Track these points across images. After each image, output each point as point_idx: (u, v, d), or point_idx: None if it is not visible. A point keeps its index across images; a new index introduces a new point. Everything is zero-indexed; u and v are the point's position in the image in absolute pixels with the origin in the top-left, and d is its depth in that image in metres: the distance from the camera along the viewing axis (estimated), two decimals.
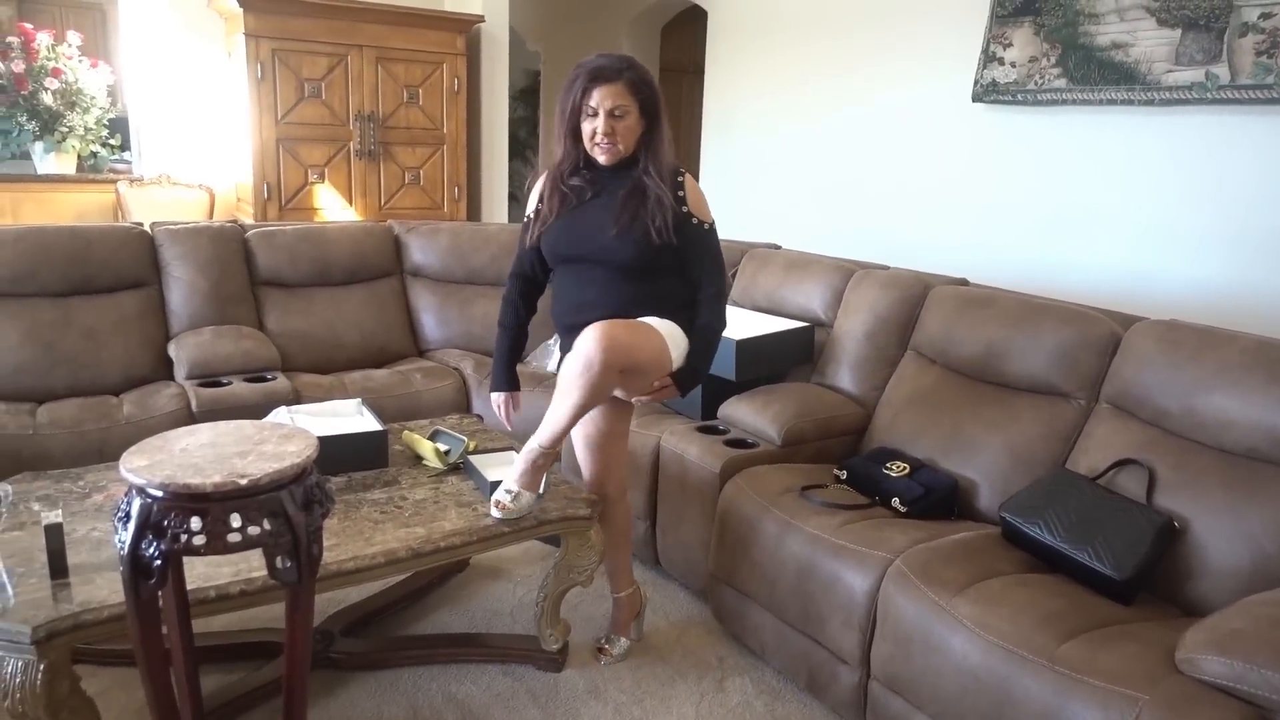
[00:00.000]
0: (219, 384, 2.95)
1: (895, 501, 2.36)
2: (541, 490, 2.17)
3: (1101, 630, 1.81)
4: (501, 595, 2.75)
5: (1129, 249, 3.60)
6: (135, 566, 1.33)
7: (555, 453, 2.15)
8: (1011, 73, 3.97)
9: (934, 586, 1.96)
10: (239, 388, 2.93)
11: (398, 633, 2.51)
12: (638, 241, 2.08)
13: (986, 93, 4.06)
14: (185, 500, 1.34)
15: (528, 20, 6.76)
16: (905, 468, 2.45)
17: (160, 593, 1.45)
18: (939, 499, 2.37)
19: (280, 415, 2.42)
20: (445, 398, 3.24)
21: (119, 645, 2.01)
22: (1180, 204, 3.45)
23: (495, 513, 2.11)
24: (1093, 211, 3.72)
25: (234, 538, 1.35)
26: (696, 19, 6.41)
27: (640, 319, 2.11)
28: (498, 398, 2.37)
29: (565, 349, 2.22)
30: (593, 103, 2.03)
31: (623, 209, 2.08)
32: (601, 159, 2.09)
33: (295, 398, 2.95)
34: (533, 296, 2.38)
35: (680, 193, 2.13)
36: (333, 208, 4.66)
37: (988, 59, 4.05)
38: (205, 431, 1.51)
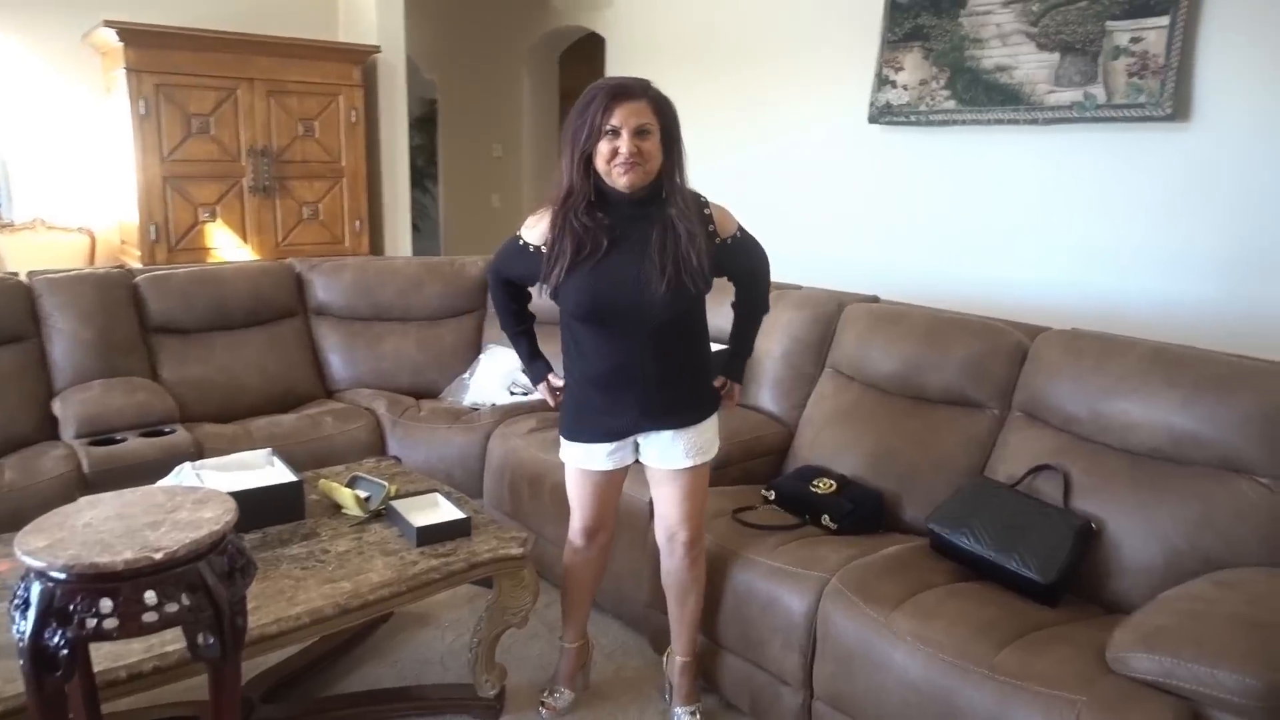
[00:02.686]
0: (112, 441, 2.77)
1: (825, 519, 2.39)
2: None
3: (1034, 634, 1.86)
4: (430, 643, 2.65)
5: (1022, 261, 3.77)
6: (38, 659, 1.22)
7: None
8: (904, 95, 4.12)
9: (871, 603, 1.98)
10: (135, 444, 2.76)
11: (323, 693, 2.39)
12: (684, 295, 1.95)
13: (881, 114, 4.19)
14: (92, 581, 1.23)
15: (422, 49, 6.66)
16: (832, 484, 2.48)
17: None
18: (867, 513, 2.40)
19: (185, 473, 2.28)
20: (359, 440, 3.12)
21: None
22: (1067, 217, 3.63)
23: None
24: (987, 226, 3.88)
25: (150, 617, 1.25)
26: (594, 46, 6.43)
27: (697, 444, 2.09)
28: (542, 387, 2.24)
29: (586, 407, 2.09)
30: (614, 121, 1.86)
31: (661, 258, 1.91)
32: (622, 181, 1.89)
33: (198, 451, 2.79)
34: (522, 295, 2.23)
35: (711, 227, 2.00)
36: (227, 247, 4.46)
37: (881, 82, 4.19)
38: (109, 502, 1.40)
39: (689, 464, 2.09)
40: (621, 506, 2.51)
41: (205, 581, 1.29)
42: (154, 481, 2.42)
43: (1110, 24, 3.45)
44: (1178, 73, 3.27)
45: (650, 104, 1.90)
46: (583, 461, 2.13)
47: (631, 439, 2.11)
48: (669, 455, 2.09)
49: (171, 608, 1.26)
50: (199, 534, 1.30)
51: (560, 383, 2.20)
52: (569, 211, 1.94)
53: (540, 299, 2.11)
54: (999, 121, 3.80)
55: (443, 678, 2.48)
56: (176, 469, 2.31)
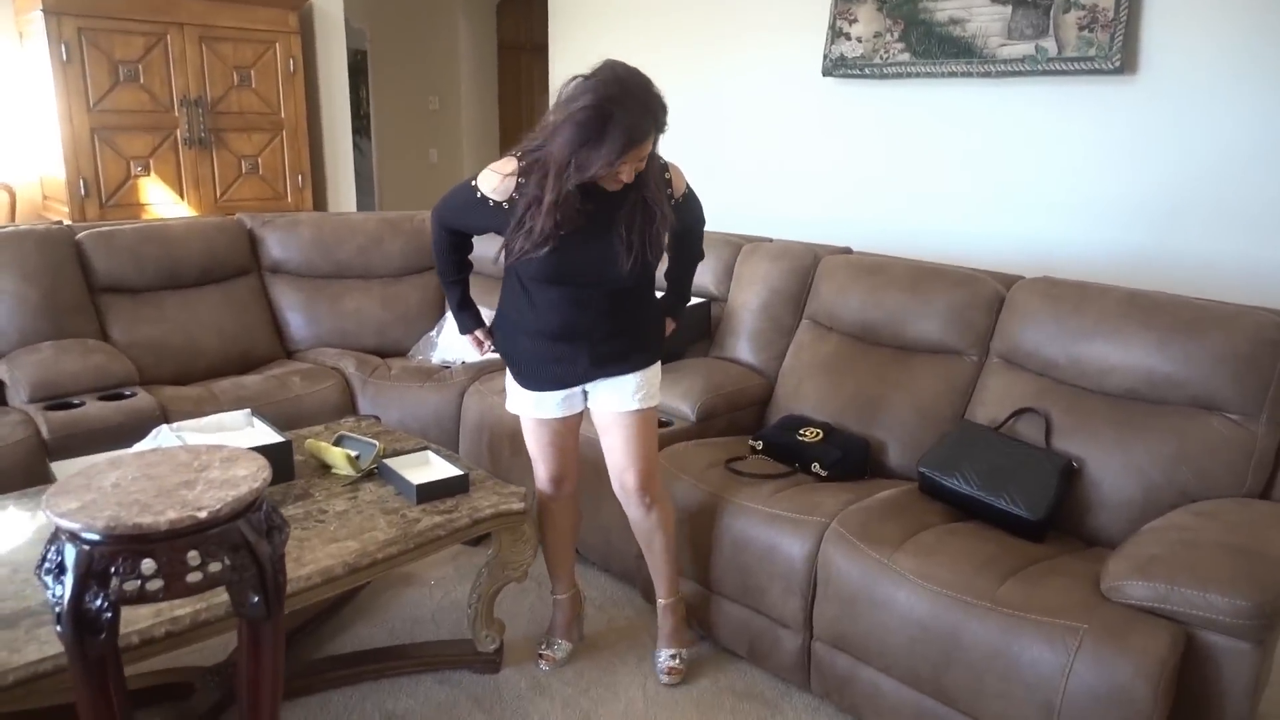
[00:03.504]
0: (70, 405, 2.63)
1: (815, 466, 2.44)
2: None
3: (1030, 568, 1.95)
4: (418, 601, 2.63)
5: (976, 212, 3.86)
6: (79, 623, 1.16)
7: (683, 596, 2.35)
8: (858, 47, 4.14)
9: (873, 545, 2.04)
10: (95, 408, 2.63)
11: (316, 655, 2.35)
12: (646, 267, 1.98)
13: (835, 67, 4.21)
14: (132, 542, 1.18)
15: None
16: (818, 433, 2.53)
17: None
18: (855, 460, 2.46)
19: (164, 436, 2.19)
20: (328, 400, 3.04)
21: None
22: (1019, 167, 3.73)
23: (669, 679, 2.28)
24: (941, 178, 3.96)
25: (194, 578, 1.20)
26: None
27: (643, 389, 2.11)
28: (468, 338, 2.27)
29: (535, 358, 2.10)
30: (624, 160, 1.80)
31: (629, 235, 1.92)
32: (612, 188, 1.90)
33: (162, 414, 2.68)
34: (466, 245, 2.21)
35: (669, 190, 2.01)
36: (162, 203, 4.25)
37: (835, 34, 4.21)
38: (131, 462, 1.34)
39: (635, 407, 2.12)
40: (602, 460, 2.52)
41: (247, 540, 1.25)
42: (119, 446, 2.33)
43: None
44: (1126, 26, 3.38)
45: (656, 132, 1.83)
46: (534, 410, 2.16)
47: (580, 387, 2.14)
48: (617, 399, 2.12)
49: (215, 567, 1.22)
50: (239, 491, 1.25)
51: (486, 338, 2.24)
52: (549, 211, 1.86)
53: (496, 264, 2.05)
54: (952, 74, 3.86)
55: (436, 635, 2.46)
56: (154, 432, 2.22)
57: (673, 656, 2.31)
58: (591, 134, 1.75)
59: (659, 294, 2.23)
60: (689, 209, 2.14)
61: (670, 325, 2.30)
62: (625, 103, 1.75)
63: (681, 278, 2.31)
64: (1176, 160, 3.32)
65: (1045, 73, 3.60)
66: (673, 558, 2.28)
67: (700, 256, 2.31)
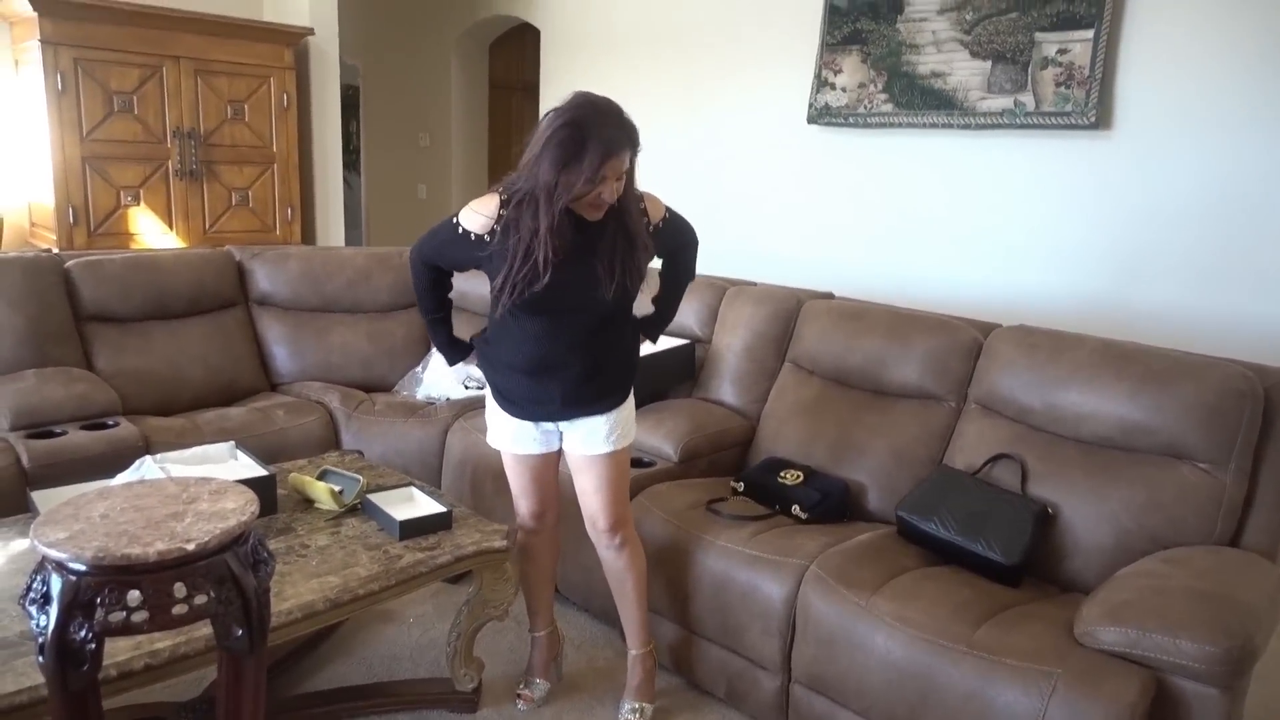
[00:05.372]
0: (51, 434, 2.63)
1: (795, 509, 2.46)
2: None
3: (1005, 613, 1.98)
4: (396, 639, 2.62)
5: (957, 257, 3.94)
6: (62, 654, 1.16)
7: (653, 649, 2.33)
8: (843, 97, 4.25)
9: (852, 588, 2.06)
10: (77, 437, 2.62)
11: (292, 692, 2.33)
12: (626, 295, 2.02)
13: (820, 115, 4.32)
14: (119, 573, 1.19)
15: (345, 33, 6.47)
16: (799, 475, 2.56)
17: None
18: (835, 503, 2.49)
19: (147, 467, 2.19)
20: (313, 434, 3.04)
21: None
22: (997, 216, 3.82)
23: None
24: (922, 227, 4.04)
25: (179, 610, 1.21)
26: (525, 36, 6.39)
27: (615, 430, 2.13)
28: (462, 365, 2.34)
29: (513, 392, 2.13)
30: (604, 174, 1.86)
31: (612, 262, 1.97)
32: (593, 216, 1.95)
33: (145, 445, 2.67)
34: (447, 281, 2.25)
35: (645, 219, 2.06)
36: (151, 232, 4.26)
37: (820, 84, 4.31)
38: (119, 494, 1.35)
39: (608, 450, 2.13)
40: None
41: (233, 572, 1.26)
42: (101, 477, 2.32)
43: (1039, 35, 3.65)
44: (1101, 84, 3.49)
45: (630, 148, 1.90)
46: (513, 446, 2.18)
47: (555, 427, 2.16)
48: (590, 441, 2.13)
49: (200, 599, 1.23)
50: (227, 524, 1.26)
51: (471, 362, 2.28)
52: (541, 243, 1.90)
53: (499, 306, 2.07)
54: (934, 125, 3.97)
55: (414, 673, 2.45)
56: (137, 463, 2.21)
57: (633, 711, 2.28)
58: (571, 152, 1.82)
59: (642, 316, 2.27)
60: (672, 233, 2.17)
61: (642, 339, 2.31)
62: (597, 119, 1.85)
63: (669, 298, 2.33)
64: (1146, 213, 3.42)
65: (1023, 126, 3.70)
66: (643, 606, 2.27)
67: (691, 276, 2.33)
